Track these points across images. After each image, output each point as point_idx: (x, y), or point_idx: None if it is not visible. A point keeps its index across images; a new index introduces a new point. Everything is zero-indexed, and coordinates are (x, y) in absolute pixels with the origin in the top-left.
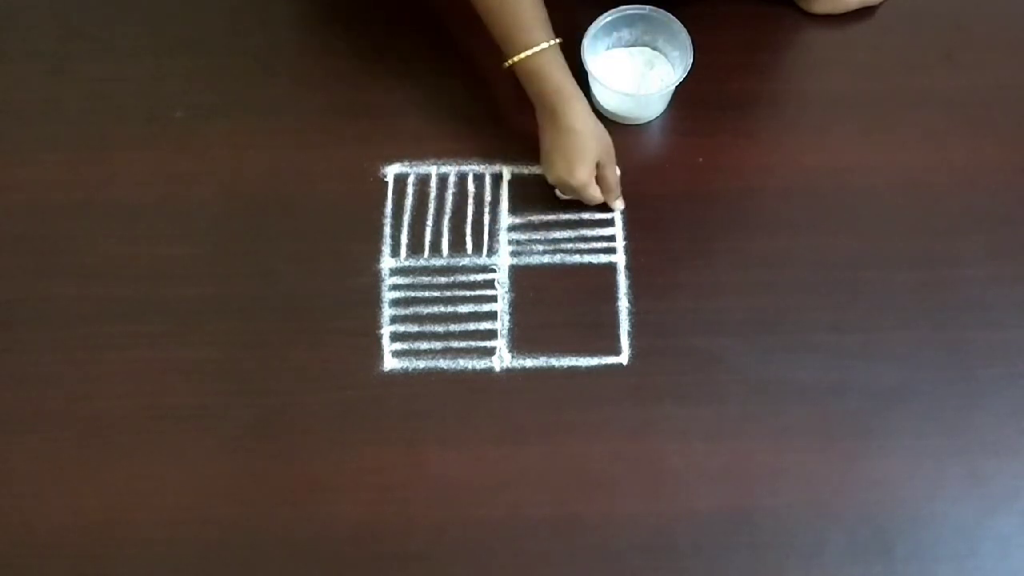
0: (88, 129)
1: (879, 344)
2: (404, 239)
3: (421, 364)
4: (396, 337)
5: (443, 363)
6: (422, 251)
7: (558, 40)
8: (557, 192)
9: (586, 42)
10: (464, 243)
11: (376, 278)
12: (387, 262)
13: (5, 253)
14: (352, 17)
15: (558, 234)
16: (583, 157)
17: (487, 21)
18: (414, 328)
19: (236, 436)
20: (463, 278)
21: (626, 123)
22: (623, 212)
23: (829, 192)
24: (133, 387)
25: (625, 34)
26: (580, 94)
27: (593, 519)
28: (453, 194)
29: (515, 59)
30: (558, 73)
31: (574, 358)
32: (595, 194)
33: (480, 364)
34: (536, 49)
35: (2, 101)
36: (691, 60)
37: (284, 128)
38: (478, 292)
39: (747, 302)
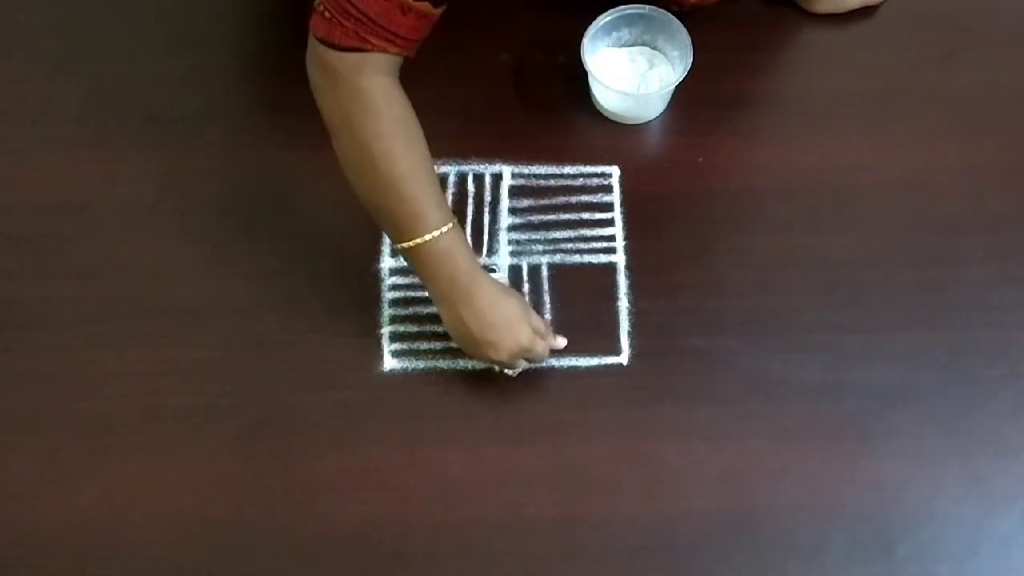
0: (88, 129)
1: (879, 344)
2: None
3: (421, 364)
4: (396, 337)
5: (443, 363)
6: None
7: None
8: (507, 372)
9: (586, 42)
10: None
11: (376, 278)
12: (387, 262)
13: (5, 253)
14: None
15: (558, 234)
16: (522, 317)
17: (389, 200)
18: (414, 328)
19: (236, 436)
20: None
21: (626, 123)
22: (623, 212)
23: (829, 192)
24: (133, 387)
25: (625, 34)
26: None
27: (593, 519)
28: (453, 194)
29: (427, 237)
30: (468, 250)
31: (574, 358)
32: (548, 344)
33: (480, 364)
34: (447, 228)
35: (2, 101)
36: (691, 60)
37: (284, 128)
38: None
39: (747, 302)
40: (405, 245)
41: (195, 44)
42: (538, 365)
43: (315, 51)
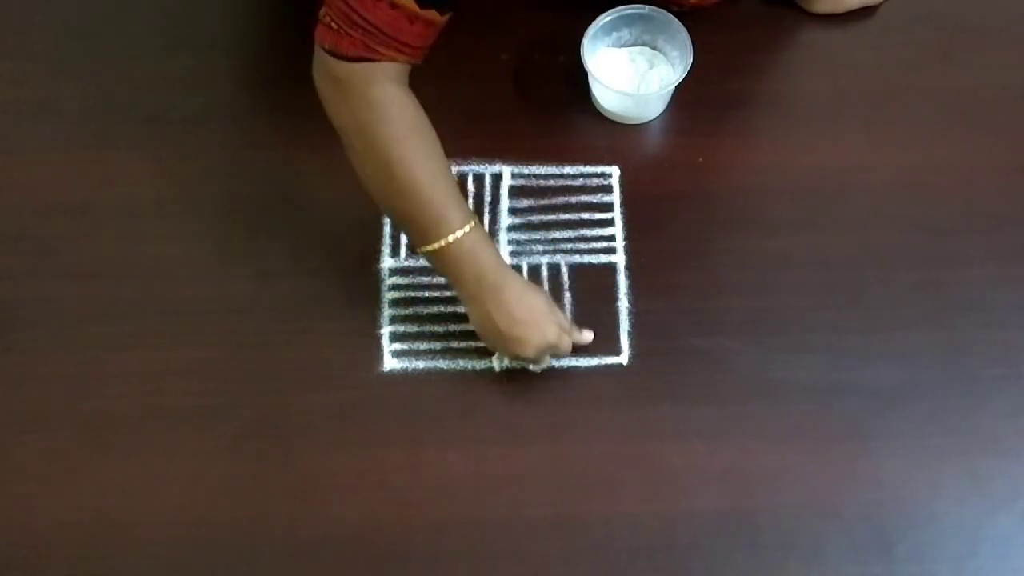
0: (88, 129)
1: (879, 344)
2: (404, 239)
3: (421, 364)
4: (396, 337)
5: (443, 363)
6: None
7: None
8: (532, 368)
9: (586, 42)
10: None
11: (376, 278)
12: (387, 262)
13: (5, 253)
14: None
15: (558, 234)
16: (548, 314)
17: (409, 206)
18: (414, 328)
19: (236, 436)
20: None
21: (626, 123)
22: (623, 212)
23: (829, 192)
24: (133, 387)
25: (625, 34)
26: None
27: (593, 519)
28: None
29: (450, 239)
30: (491, 248)
31: (574, 358)
32: (572, 340)
33: (480, 364)
34: (469, 227)
35: (2, 101)
36: (691, 60)
37: (284, 128)
38: None
39: (747, 302)
40: (428, 248)
41: (195, 44)
42: (560, 362)
43: (322, 62)
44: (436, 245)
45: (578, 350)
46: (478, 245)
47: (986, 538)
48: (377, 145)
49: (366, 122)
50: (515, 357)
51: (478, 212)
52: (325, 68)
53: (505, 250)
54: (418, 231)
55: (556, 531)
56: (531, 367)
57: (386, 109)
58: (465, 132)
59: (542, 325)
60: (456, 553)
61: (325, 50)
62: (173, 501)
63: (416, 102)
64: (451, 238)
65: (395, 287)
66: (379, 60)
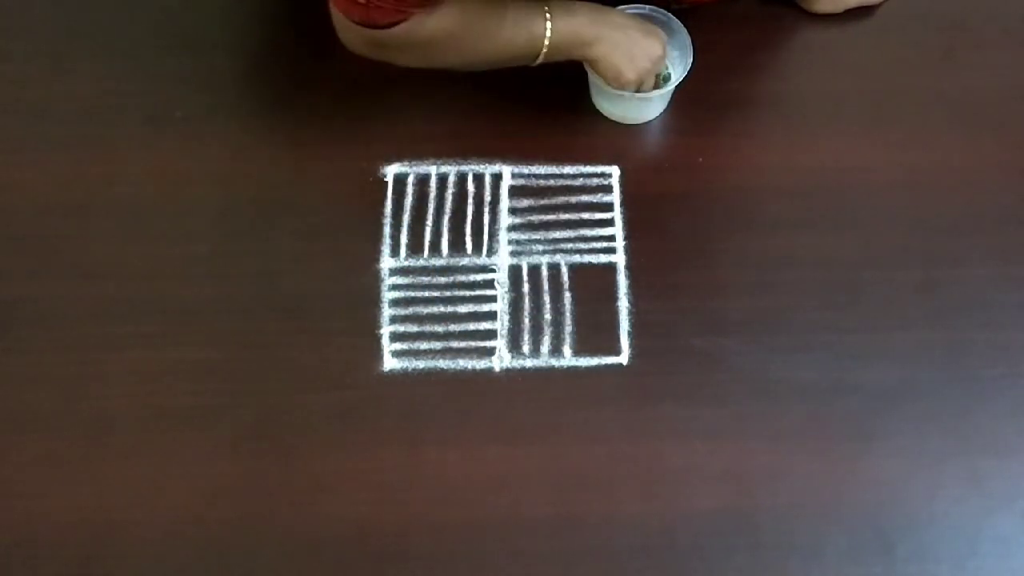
0: (88, 129)
1: (879, 344)
2: (404, 239)
3: (421, 364)
4: (396, 337)
5: (443, 363)
6: (422, 251)
7: None
8: (637, 93)
9: None
10: (464, 243)
11: (376, 278)
12: (387, 262)
13: (5, 253)
14: None
15: (558, 234)
16: (643, 23)
17: (499, 59)
18: (414, 328)
19: (236, 436)
20: (463, 278)
21: (626, 123)
22: (623, 212)
23: (829, 192)
24: (133, 387)
25: None
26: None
27: (593, 519)
28: (453, 194)
29: (546, 42)
30: (579, 11)
31: (574, 358)
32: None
33: (480, 364)
34: (548, 22)
35: (2, 101)
36: (691, 60)
37: (284, 128)
38: (478, 292)
39: (747, 302)
40: (539, 62)
41: (195, 44)
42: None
43: (357, 33)
44: (542, 55)
45: (578, 350)
46: (567, 26)
47: (986, 538)
48: (441, 63)
49: (419, 58)
50: (647, 71)
51: (478, 212)
52: (361, 38)
53: (505, 250)
54: (523, 62)
55: (556, 531)
56: (640, 93)
57: (428, 40)
58: (465, 132)
59: (653, 37)
60: (456, 553)
61: (356, 23)
62: (173, 501)
63: (441, 6)
64: (546, 41)
65: (395, 287)
66: (414, 15)
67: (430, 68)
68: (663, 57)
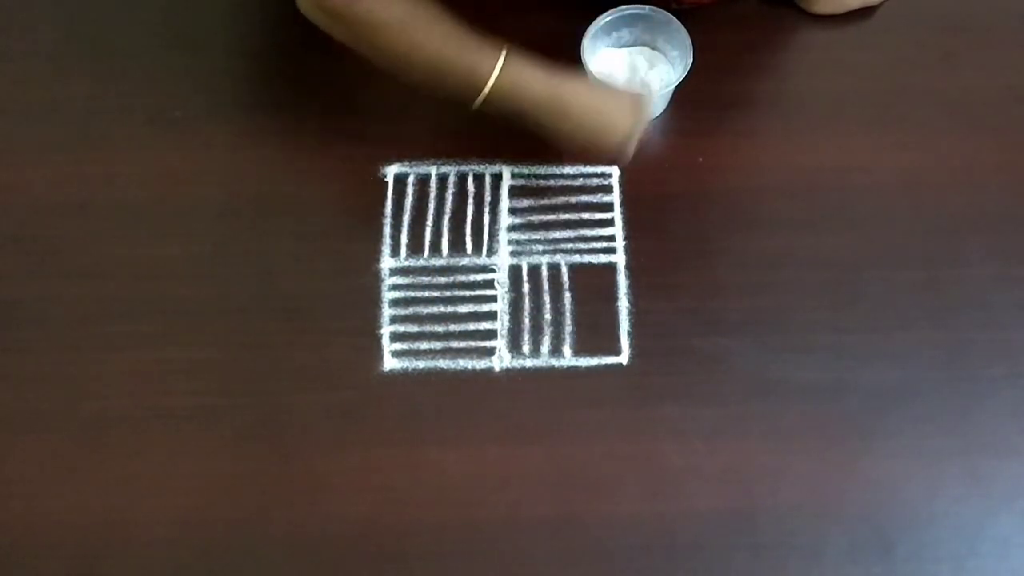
0: (88, 129)
1: (879, 344)
2: (404, 239)
3: (421, 364)
4: (396, 337)
5: (443, 363)
6: (422, 251)
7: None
8: (624, 155)
9: (586, 42)
10: (464, 243)
11: (376, 278)
12: (387, 262)
13: (5, 253)
14: None
15: (558, 234)
16: (613, 89)
17: (439, 78)
18: (414, 328)
19: (236, 436)
20: (463, 278)
21: None
22: (623, 212)
23: (829, 192)
24: (133, 387)
25: (625, 34)
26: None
27: (593, 519)
28: (453, 194)
29: (490, 83)
30: (534, 66)
31: (574, 358)
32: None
33: (480, 364)
34: (500, 62)
35: (2, 101)
36: (691, 60)
37: (284, 128)
38: (478, 292)
39: (747, 302)
40: (477, 104)
41: (195, 44)
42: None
43: (319, 4)
44: (480, 99)
45: (578, 350)
46: (518, 76)
47: (986, 538)
48: (383, 50)
49: (362, 36)
50: (615, 144)
51: (478, 212)
52: (323, 9)
53: (505, 250)
54: (460, 95)
55: (556, 531)
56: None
57: (375, 15)
58: (465, 132)
59: (620, 98)
60: (456, 553)
61: None
62: (173, 501)
63: None
64: (489, 84)
65: (395, 287)
66: None
67: (365, 56)
68: (639, 111)
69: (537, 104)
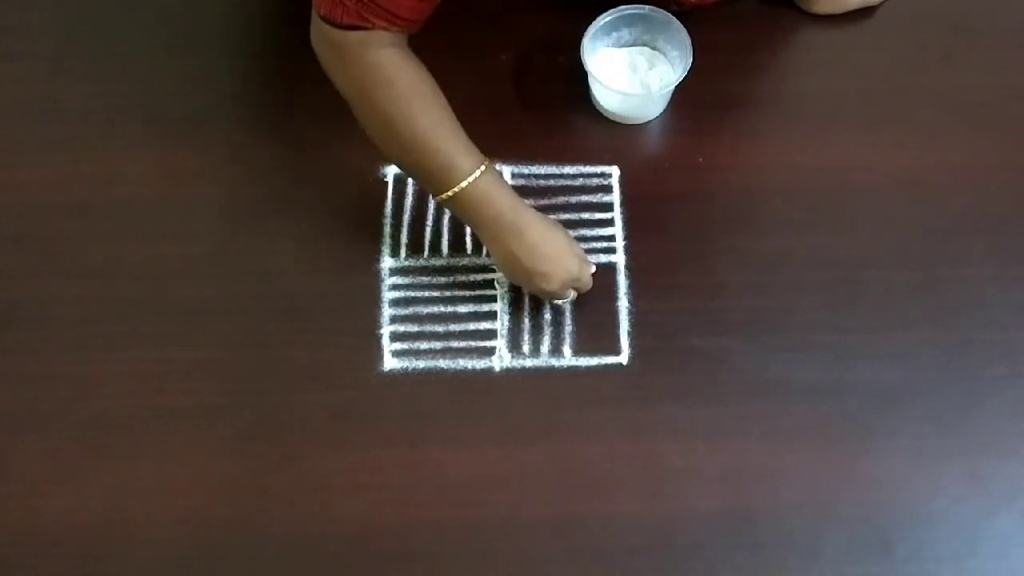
0: (88, 129)
1: (879, 344)
2: (404, 239)
3: (421, 364)
4: (396, 337)
5: (443, 363)
6: (422, 251)
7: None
8: (558, 303)
9: (586, 42)
10: (464, 243)
11: (376, 278)
12: (387, 262)
13: (5, 253)
14: None
15: None
16: (569, 247)
17: (418, 158)
18: (414, 328)
19: (236, 436)
20: (463, 278)
21: (626, 123)
22: (623, 212)
23: (829, 192)
24: (133, 387)
25: (625, 34)
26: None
27: (593, 519)
28: None
29: (463, 184)
30: (506, 188)
31: (574, 358)
32: (590, 270)
33: (480, 364)
34: (480, 171)
35: (2, 101)
36: (691, 60)
37: (284, 128)
38: (478, 292)
39: (747, 302)
40: (444, 196)
41: (195, 44)
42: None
43: (319, 29)
44: (449, 193)
45: (578, 350)
46: (492, 187)
47: (986, 538)
48: (377, 106)
49: (365, 86)
50: (540, 292)
51: None
52: (321, 34)
53: None
54: (430, 181)
55: (556, 531)
56: (556, 302)
57: (382, 71)
58: (465, 132)
59: (564, 259)
60: (456, 553)
61: (321, 17)
62: (173, 501)
63: (414, 60)
64: (464, 184)
65: (395, 287)
66: (372, 29)
67: (355, 112)
68: (572, 282)
69: (499, 216)
